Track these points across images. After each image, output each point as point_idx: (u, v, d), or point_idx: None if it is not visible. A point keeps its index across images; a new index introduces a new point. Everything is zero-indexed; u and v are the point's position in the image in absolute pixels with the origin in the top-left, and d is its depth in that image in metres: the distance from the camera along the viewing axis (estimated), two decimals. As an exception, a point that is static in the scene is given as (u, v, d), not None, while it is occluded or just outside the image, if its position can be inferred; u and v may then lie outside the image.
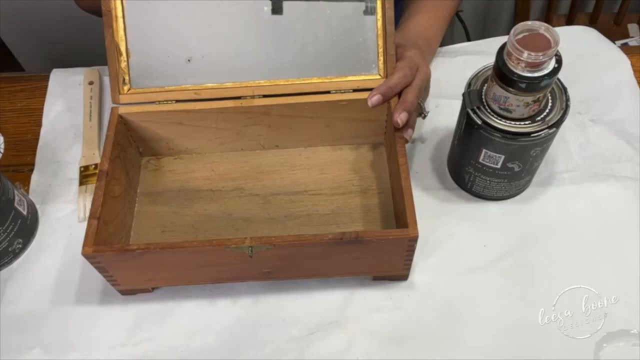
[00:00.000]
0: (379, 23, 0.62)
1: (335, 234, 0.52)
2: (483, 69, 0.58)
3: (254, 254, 0.53)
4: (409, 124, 0.60)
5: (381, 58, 0.63)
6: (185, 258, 0.54)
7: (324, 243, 0.52)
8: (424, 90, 0.65)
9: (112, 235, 0.58)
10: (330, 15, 0.62)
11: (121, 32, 0.62)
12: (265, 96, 0.64)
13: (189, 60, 0.64)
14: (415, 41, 0.67)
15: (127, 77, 0.64)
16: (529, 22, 0.51)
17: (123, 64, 0.63)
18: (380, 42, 0.62)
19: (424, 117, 0.64)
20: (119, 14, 0.62)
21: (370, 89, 0.62)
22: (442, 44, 0.77)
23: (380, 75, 0.63)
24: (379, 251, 0.54)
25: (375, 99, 0.60)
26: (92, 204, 0.56)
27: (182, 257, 0.54)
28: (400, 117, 0.58)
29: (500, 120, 0.55)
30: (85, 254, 0.52)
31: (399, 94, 0.61)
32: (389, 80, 0.61)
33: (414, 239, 0.53)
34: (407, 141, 0.60)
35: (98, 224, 0.54)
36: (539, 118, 0.55)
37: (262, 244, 0.52)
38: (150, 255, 0.53)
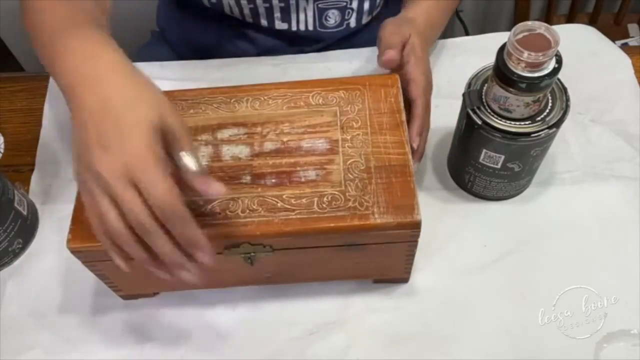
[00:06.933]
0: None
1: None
2: (483, 69, 0.58)
3: (254, 261, 0.53)
4: (421, 148, 0.60)
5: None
6: None
7: (324, 246, 0.52)
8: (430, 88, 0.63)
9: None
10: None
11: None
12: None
13: (189, 61, 0.64)
14: (423, 26, 0.64)
15: (127, 77, 0.63)
16: (529, 22, 0.51)
17: (123, 64, 0.63)
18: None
19: None
20: (119, 14, 0.62)
21: None
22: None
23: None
24: (379, 252, 0.54)
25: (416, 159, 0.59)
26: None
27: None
28: (417, 144, 0.58)
29: (500, 120, 0.55)
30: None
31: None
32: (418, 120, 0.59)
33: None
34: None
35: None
36: (539, 118, 0.55)
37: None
38: None
